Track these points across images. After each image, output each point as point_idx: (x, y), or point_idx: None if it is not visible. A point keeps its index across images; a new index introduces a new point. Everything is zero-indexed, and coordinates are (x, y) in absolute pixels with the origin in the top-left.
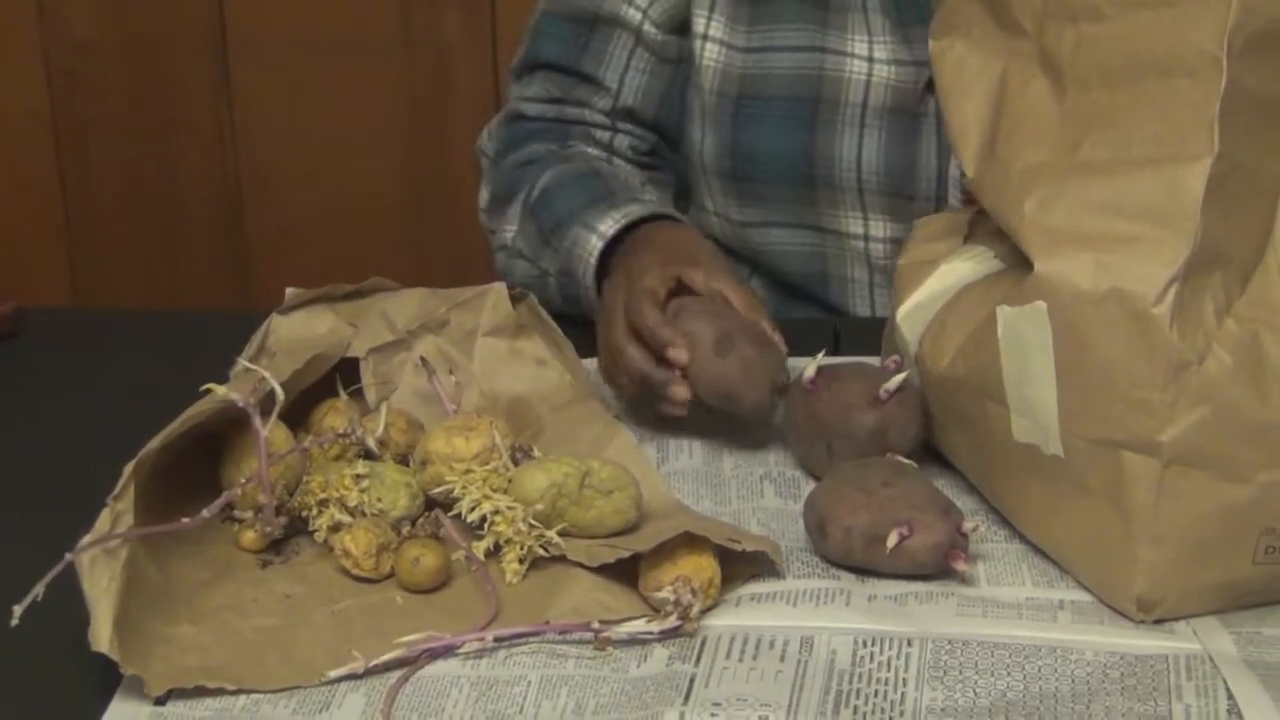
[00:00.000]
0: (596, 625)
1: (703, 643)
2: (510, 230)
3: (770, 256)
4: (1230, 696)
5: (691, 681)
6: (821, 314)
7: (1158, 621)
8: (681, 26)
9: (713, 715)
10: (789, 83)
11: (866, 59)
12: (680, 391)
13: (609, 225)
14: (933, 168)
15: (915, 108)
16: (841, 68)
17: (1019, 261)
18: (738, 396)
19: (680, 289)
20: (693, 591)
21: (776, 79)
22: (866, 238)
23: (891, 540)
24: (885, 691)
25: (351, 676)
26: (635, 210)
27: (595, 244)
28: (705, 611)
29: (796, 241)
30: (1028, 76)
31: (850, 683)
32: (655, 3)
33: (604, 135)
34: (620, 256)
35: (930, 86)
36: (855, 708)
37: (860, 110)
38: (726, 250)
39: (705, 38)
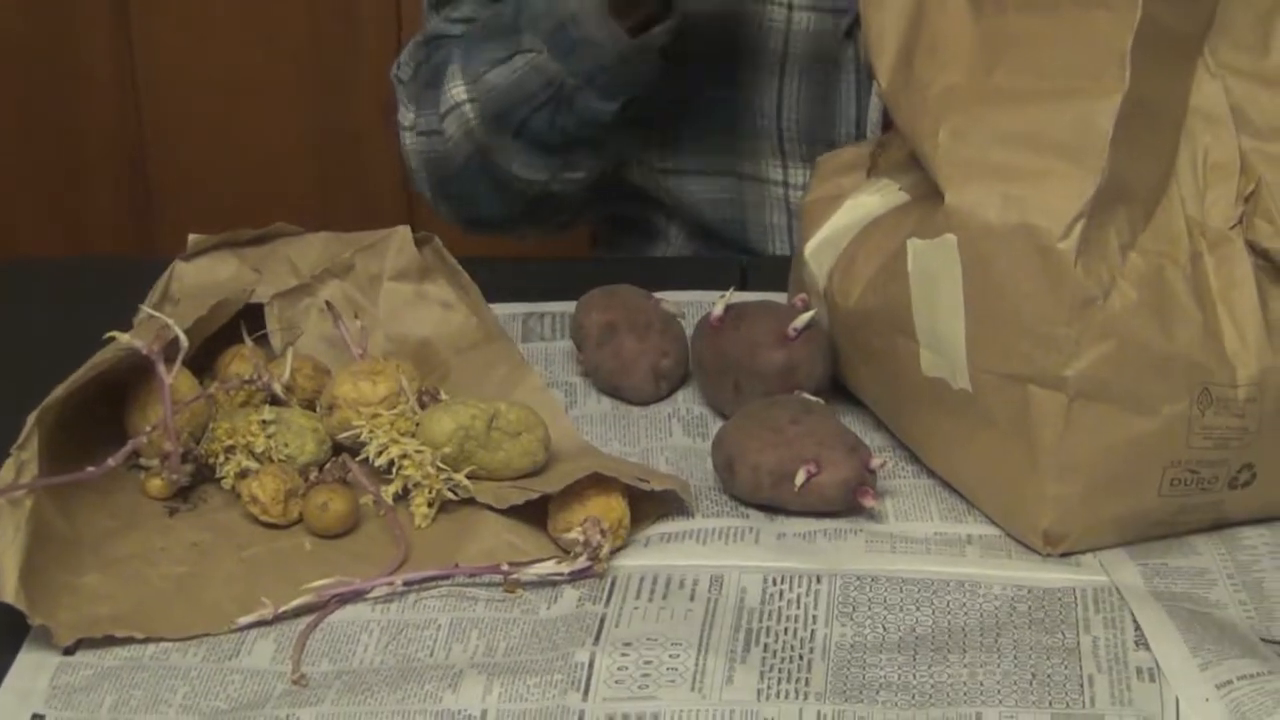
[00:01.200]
0: (506, 567)
1: (612, 583)
2: (457, 88)
3: (689, 203)
4: (1137, 628)
5: (602, 622)
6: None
7: (1065, 555)
8: None
9: (623, 655)
10: (710, 28)
11: (785, 5)
12: None
13: None
14: (851, 115)
15: (835, 55)
16: (762, 16)
17: (926, 193)
18: (619, 386)
19: None
20: (602, 532)
21: (697, 23)
22: (786, 184)
23: (800, 478)
24: (795, 629)
25: (261, 623)
26: None
27: None
28: (615, 552)
29: (715, 189)
30: None
31: (760, 620)
32: None
33: None
34: None
35: (850, 33)
36: (765, 645)
37: (780, 59)
38: (646, 197)
39: None
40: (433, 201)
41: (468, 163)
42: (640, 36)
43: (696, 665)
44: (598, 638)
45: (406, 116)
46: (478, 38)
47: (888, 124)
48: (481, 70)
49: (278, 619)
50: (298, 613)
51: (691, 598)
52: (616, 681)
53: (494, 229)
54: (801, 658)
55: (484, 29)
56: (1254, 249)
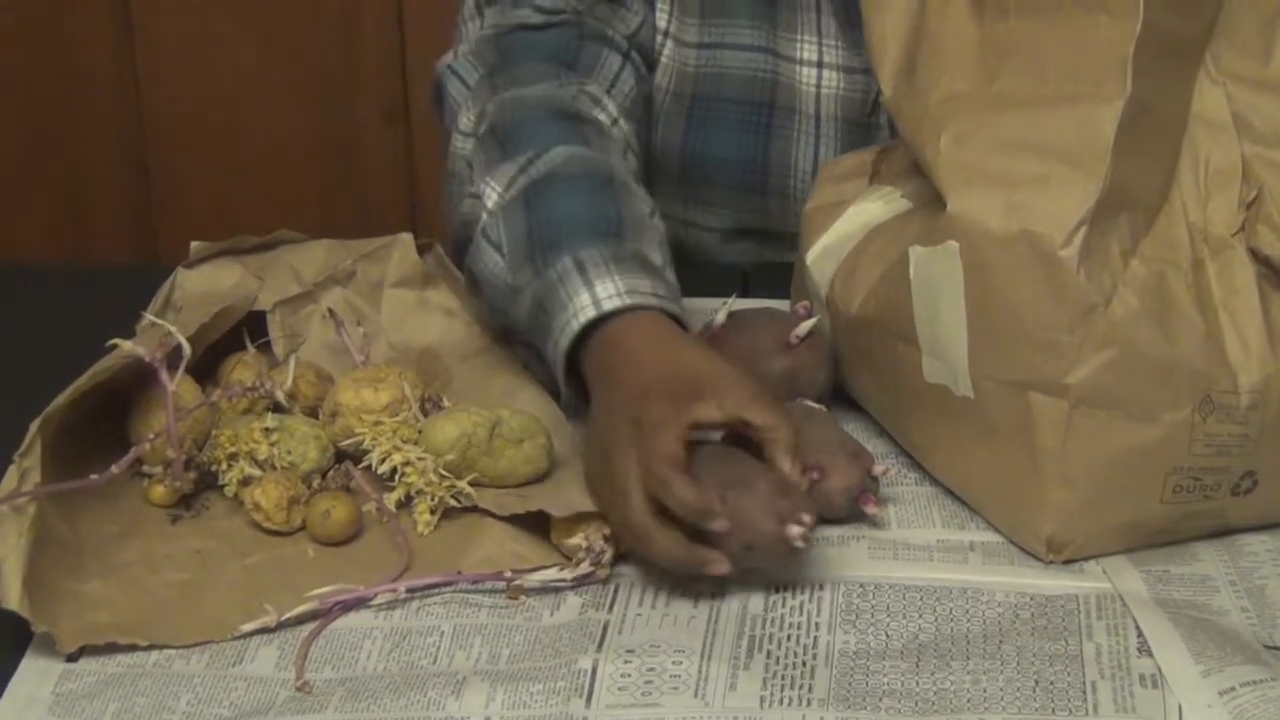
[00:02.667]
0: (508, 574)
1: (616, 589)
2: (494, 191)
3: (709, 257)
4: (1140, 634)
5: (605, 628)
6: None
7: (1067, 562)
8: None
9: (626, 661)
10: (743, 85)
11: (816, 65)
12: (721, 568)
13: (607, 292)
14: None
15: (866, 118)
16: (793, 76)
17: (928, 200)
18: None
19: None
20: (605, 538)
21: (730, 79)
22: None
23: (803, 485)
24: (798, 636)
25: (264, 630)
26: (640, 286)
27: (584, 307)
28: (618, 557)
29: (740, 246)
30: None
31: (763, 628)
32: None
33: (616, 64)
34: (607, 361)
35: (880, 98)
36: (769, 652)
37: (814, 120)
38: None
39: (665, 34)
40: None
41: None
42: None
43: (699, 672)
44: (601, 644)
45: (464, 120)
46: (524, 197)
47: (891, 131)
48: (496, 235)
49: (281, 626)
50: (301, 620)
51: (695, 605)
52: (620, 688)
53: None
54: (805, 664)
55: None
56: (1256, 256)
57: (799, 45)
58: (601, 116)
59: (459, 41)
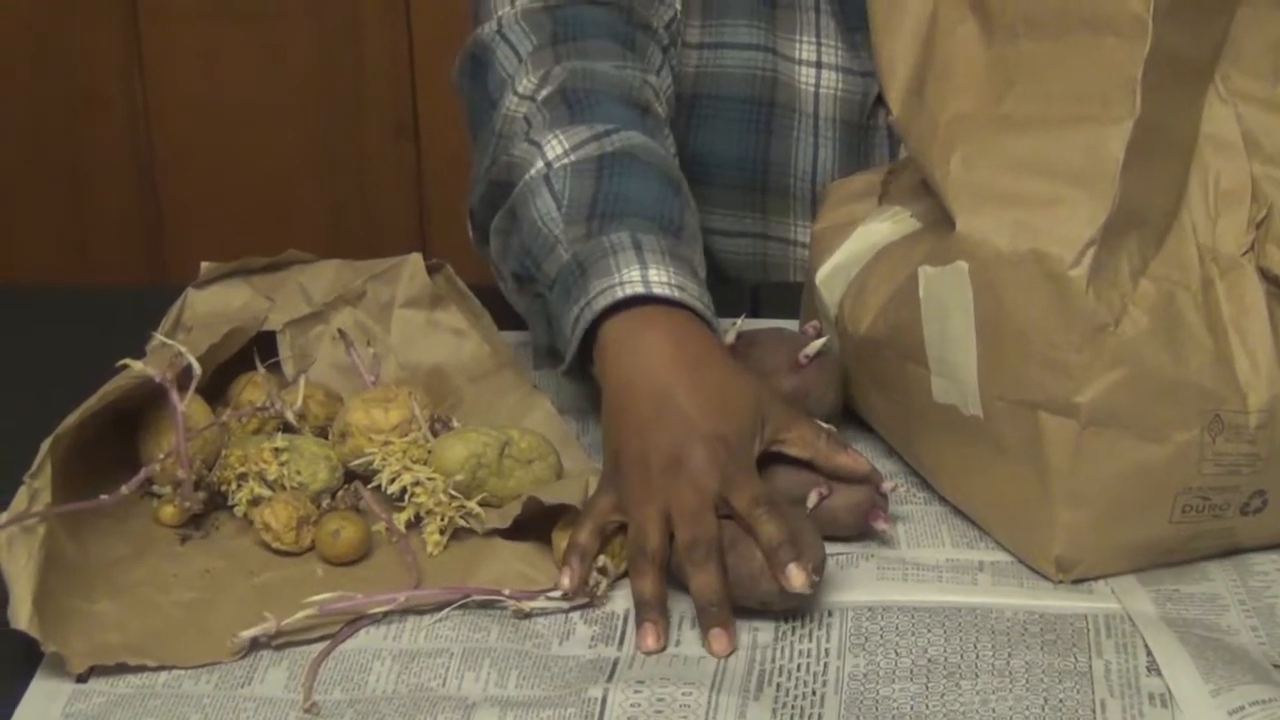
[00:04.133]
0: (508, 593)
1: (625, 621)
2: (559, 145)
3: (710, 256)
4: (1149, 653)
5: (615, 664)
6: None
7: (1076, 581)
8: None
9: (637, 692)
10: (742, 83)
11: (814, 65)
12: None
13: (659, 278)
14: None
15: (864, 120)
16: (792, 75)
17: (937, 220)
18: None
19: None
20: (600, 570)
21: (729, 78)
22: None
23: (811, 500)
24: (808, 664)
25: (266, 645)
26: (689, 287)
27: (633, 281)
28: (621, 577)
29: (740, 246)
30: (957, 18)
31: (773, 660)
32: None
33: (659, 57)
34: (643, 341)
35: (880, 99)
36: (778, 684)
37: (813, 120)
38: None
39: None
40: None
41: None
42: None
43: (709, 703)
44: (611, 676)
45: (524, 83)
46: (601, 163)
47: (889, 134)
48: (559, 183)
49: (288, 645)
50: (307, 637)
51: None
52: (630, 718)
53: None
54: (814, 692)
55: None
56: (1265, 275)
57: (798, 45)
58: (661, 112)
59: (488, 16)
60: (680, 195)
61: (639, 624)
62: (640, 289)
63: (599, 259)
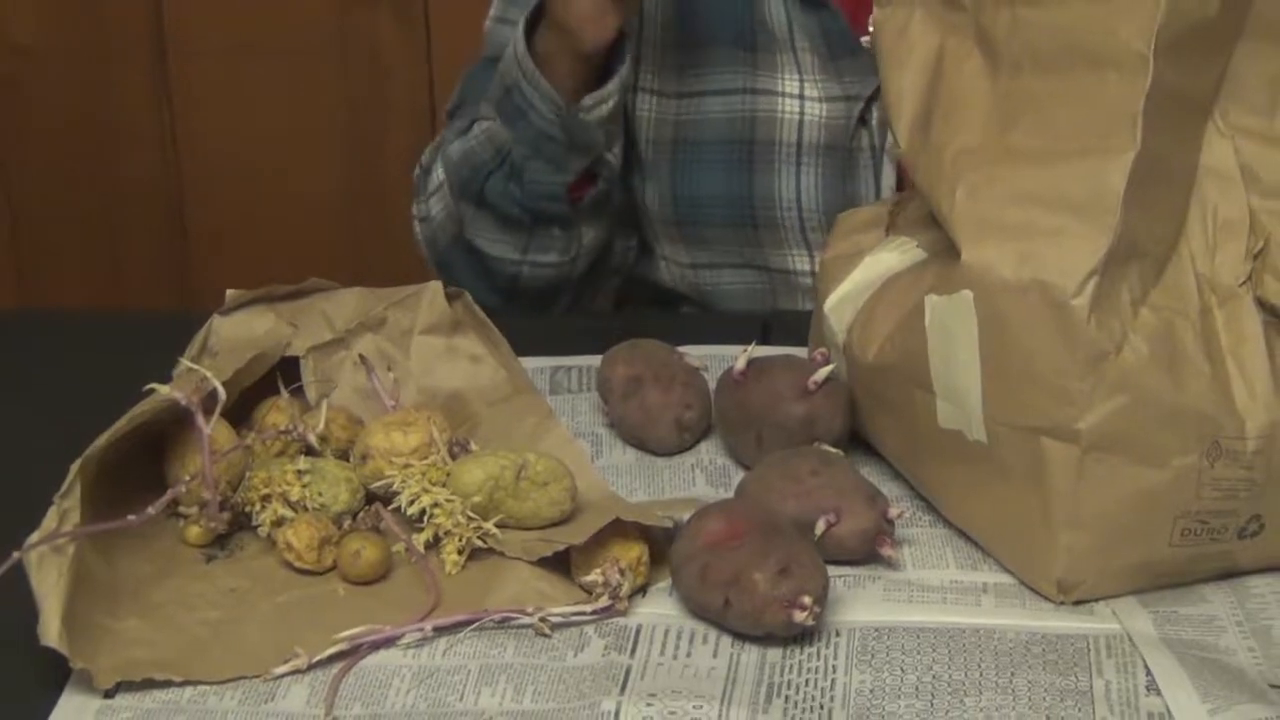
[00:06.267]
0: (531, 609)
1: (637, 632)
2: (439, 171)
3: (719, 297)
4: (1149, 673)
5: (627, 673)
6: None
7: (1078, 603)
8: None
9: (649, 704)
10: (723, 126)
11: (798, 96)
12: None
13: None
14: (871, 199)
15: (849, 143)
16: (774, 107)
17: (942, 250)
18: (644, 438)
19: None
20: (621, 572)
21: (711, 123)
22: (813, 274)
23: (820, 527)
24: (815, 680)
25: (295, 671)
26: None
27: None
28: (637, 592)
29: (744, 281)
30: (964, 53)
31: (782, 674)
32: None
33: None
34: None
35: (863, 120)
36: (786, 697)
37: (795, 149)
38: (678, 294)
39: (637, 89)
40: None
41: (453, 243)
42: (581, 103)
43: (720, 716)
44: (624, 688)
45: (417, 208)
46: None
47: (901, 184)
48: (449, 141)
49: (311, 667)
50: (331, 659)
51: (715, 655)
52: None
53: (501, 303)
54: (822, 707)
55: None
56: (1263, 305)
57: (780, 80)
58: None
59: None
60: None
61: None
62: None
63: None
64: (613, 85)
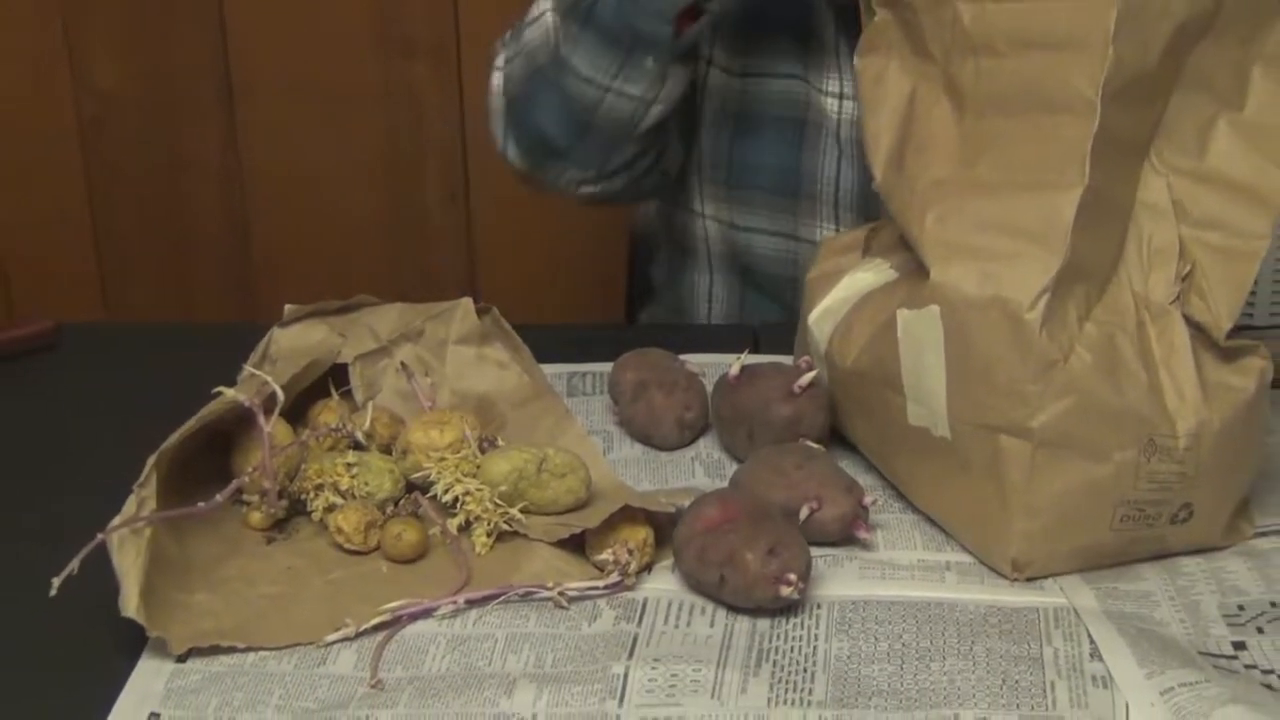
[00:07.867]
0: (551, 584)
1: (644, 604)
2: (544, 2)
3: (750, 257)
4: (1092, 642)
5: (635, 640)
6: (780, 311)
7: (1029, 580)
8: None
9: (653, 668)
10: (780, 104)
11: (838, 96)
12: None
13: None
14: None
15: None
16: (822, 103)
17: (913, 270)
18: (649, 435)
19: None
20: (629, 551)
21: (770, 100)
22: None
23: (803, 513)
24: (800, 646)
25: (345, 639)
26: None
27: None
28: (644, 569)
29: (775, 246)
30: (933, 99)
31: (770, 642)
32: None
33: None
34: None
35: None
36: (774, 661)
37: (837, 139)
38: (712, 250)
39: (710, 63)
40: (502, 141)
41: (537, 72)
42: None
43: (716, 678)
44: (631, 653)
45: (497, 61)
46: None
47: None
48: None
49: (359, 634)
50: (376, 628)
51: (711, 624)
52: (648, 691)
53: (556, 158)
54: (806, 670)
55: None
56: (1189, 321)
57: (825, 79)
58: None
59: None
60: None
61: None
62: None
63: None
64: None
